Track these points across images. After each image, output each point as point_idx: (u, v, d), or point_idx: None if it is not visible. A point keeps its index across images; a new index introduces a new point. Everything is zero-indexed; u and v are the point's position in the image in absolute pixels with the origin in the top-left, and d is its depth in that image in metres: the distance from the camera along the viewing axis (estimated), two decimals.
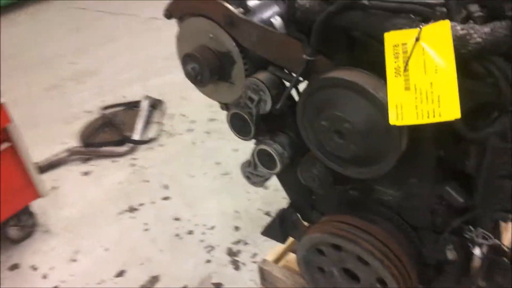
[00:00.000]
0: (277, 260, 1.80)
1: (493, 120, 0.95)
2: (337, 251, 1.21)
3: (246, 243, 2.33)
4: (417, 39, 0.88)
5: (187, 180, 2.83)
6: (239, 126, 1.20)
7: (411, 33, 0.88)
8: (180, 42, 1.25)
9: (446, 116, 0.86)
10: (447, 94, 0.86)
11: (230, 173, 2.82)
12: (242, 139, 1.24)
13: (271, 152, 1.23)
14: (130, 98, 3.74)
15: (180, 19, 1.23)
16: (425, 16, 0.89)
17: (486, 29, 0.85)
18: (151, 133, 3.32)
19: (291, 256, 1.79)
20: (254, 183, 1.37)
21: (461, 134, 0.93)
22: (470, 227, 1.12)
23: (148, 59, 4.39)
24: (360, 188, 1.22)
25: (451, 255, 1.14)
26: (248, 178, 1.36)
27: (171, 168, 2.94)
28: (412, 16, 0.91)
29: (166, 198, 2.71)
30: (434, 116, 0.87)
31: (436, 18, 0.87)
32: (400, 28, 0.90)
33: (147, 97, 3.59)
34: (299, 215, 1.43)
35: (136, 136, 3.20)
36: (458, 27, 0.85)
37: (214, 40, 1.18)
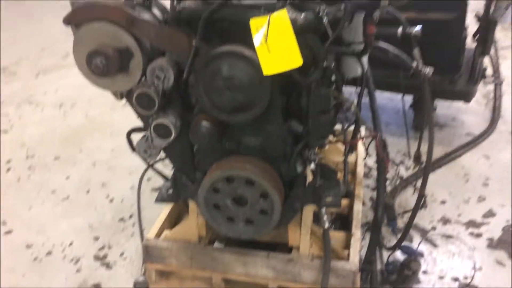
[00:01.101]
0: (158, 236, 2.13)
1: (312, 73, 1.58)
2: (229, 183, 1.68)
3: (110, 247, 2.54)
4: (269, 22, 1.46)
5: (25, 212, 2.84)
6: (145, 102, 1.58)
7: (265, 18, 1.46)
8: (79, 45, 1.56)
9: (293, 64, 1.45)
10: (291, 51, 1.45)
11: (69, 197, 2.94)
12: (146, 113, 1.62)
13: (168, 123, 1.64)
14: None
15: (77, 26, 1.55)
16: (271, 9, 1.47)
17: (303, 15, 1.48)
18: None
19: (168, 232, 2.12)
20: (150, 156, 1.74)
21: (297, 80, 1.53)
22: (307, 150, 1.74)
23: None
24: (233, 140, 1.72)
25: (299, 168, 1.74)
26: (145, 152, 1.73)
27: (4, 204, 2.88)
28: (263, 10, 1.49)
29: (8, 232, 2.69)
30: (287, 65, 1.45)
31: (277, 9, 1.47)
32: (258, 16, 1.47)
33: None
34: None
35: None
36: (290, 13, 1.47)
37: (113, 39, 1.54)
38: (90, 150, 3.41)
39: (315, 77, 1.55)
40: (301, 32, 1.46)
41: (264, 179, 1.63)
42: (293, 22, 1.44)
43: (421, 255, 2.27)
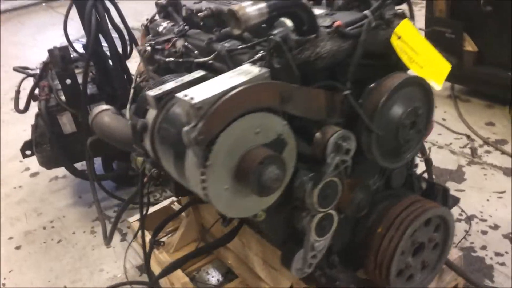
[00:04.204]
0: None
1: None
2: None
3: None
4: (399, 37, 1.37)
5: None
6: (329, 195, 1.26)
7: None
8: (218, 164, 1.11)
9: (447, 67, 1.41)
10: (436, 57, 1.41)
11: None
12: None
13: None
14: None
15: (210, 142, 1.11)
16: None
17: None
18: None
19: None
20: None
21: None
22: None
23: None
24: None
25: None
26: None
27: None
28: None
29: None
30: (444, 71, 1.39)
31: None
32: None
33: None
34: None
35: None
36: None
37: (260, 134, 1.16)
38: None
39: None
40: None
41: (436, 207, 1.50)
42: None
43: None
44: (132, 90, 2.02)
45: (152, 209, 2.63)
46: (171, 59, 1.57)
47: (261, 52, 1.37)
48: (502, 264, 2.28)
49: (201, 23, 1.67)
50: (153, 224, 2.56)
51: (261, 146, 1.16)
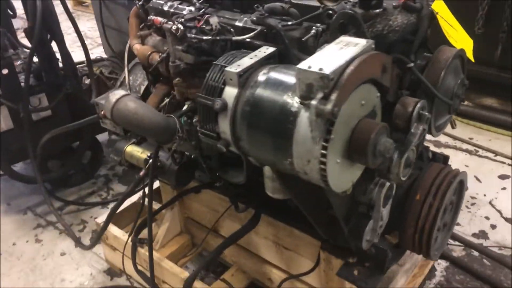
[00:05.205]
0: None
1: None
2: None
3: None
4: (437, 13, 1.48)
5: None
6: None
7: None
8: (338, 138, 1.11)
9: (470, 43, 1.56)
10: (462, 33, 1.55)
11: None
12: None
13: None
14: None
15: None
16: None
17: None
18: None
19: None
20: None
21: None
22: None
23: None
24: None
25: None
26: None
27: None
28: None
29: None
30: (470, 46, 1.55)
31: None
32: None
33: None
34: None
35: None
36: None
37: (364, 105, 1.18)
38: None
39: None
40: None
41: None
42: None
43: None
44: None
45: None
46: (209, 37, 1.46)
47: (316, 26, 1.37)
48: None
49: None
50: (123, 222, 2.37)
51: (367, 118, 1.16)
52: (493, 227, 2.59)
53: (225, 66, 1.27)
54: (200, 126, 1.35)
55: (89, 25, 5.74)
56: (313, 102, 1.04)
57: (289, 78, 1.22)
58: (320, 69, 1.04)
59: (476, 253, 2.38)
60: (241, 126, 1.24)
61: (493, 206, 2.73)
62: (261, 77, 1.24)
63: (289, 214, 1.87)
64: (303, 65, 1.07)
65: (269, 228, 1.97)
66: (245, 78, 1.24)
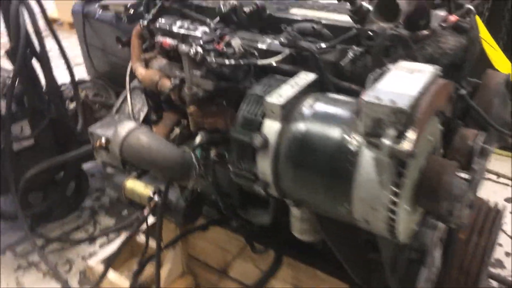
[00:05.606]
0: None
1: None
2: None
3: None
4: None
5: None
6: None
7: None
8: (409, 181, 0.95)
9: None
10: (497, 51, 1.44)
11: None
12: None
13: None
14: None
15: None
16: None
17: None
18: None
19: None
20: None
21: None
22: None
23: None
24: None
25: None
26: None
27: None
28: None
29: None
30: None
31: None
32: None
33: None
34: None
35: None
36: None
37: (430, 141, 1.03)
38: None
39: None
40: None
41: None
42: None
43: None
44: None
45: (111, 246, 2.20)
46: (232, 61, 1.29)
47: (352, 49, 1.23)
48: None
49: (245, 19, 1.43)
50: (117, 262, 2.14)
51: (435, 156, 1.01)
52: (507, 254, 2.48)
53: (264, 96, 1.10)
54: (234, 165, 1.16)
55: (64, 44, 5.47)
56: (386, 141, 0.88)
57: (340, 110, 1.06)
58: (393, 102, 0.88)
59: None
60: (285, 166, 1.06)
61: (503, 231, 2.62)
62: (307, 109, 1.08)
63: (311, 254, 1.70)
64: (369, 96, 0.91)
65: (288, 270, 1.78)
66: (288, 110, 1.08)
